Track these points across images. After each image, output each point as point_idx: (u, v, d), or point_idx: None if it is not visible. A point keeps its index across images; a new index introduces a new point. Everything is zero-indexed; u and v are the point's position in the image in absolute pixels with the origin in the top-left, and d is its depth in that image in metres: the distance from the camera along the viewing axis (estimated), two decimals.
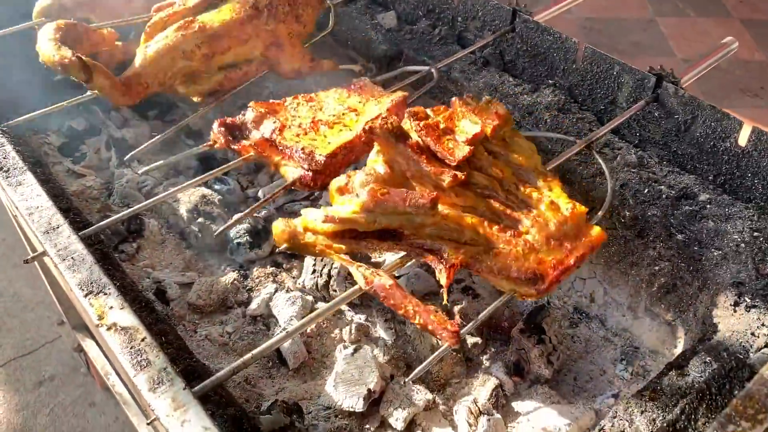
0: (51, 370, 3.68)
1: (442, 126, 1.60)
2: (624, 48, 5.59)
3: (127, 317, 1.21)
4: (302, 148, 1.71)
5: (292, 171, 1.74)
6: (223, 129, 1.87)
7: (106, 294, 1.25)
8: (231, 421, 1.38)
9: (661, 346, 1.87)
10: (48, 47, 1.88)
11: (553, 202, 1.54)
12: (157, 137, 2.10)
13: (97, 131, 2.58)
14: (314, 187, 1.77)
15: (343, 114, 1.85)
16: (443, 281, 1.42)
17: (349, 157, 1.79)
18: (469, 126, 1.62)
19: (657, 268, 1.83)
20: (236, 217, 1.77)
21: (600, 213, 1.64)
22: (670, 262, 1.80)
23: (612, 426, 1.34)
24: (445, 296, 1.44)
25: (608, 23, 5.89)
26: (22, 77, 2.29)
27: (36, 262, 2.87)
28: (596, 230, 1.52)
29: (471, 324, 1.48)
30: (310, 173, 1.72)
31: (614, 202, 1.89)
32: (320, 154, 1.70)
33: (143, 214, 2.26)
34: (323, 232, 1.45)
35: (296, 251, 1.51)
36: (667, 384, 1.40)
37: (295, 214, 2.43)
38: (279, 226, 1.49)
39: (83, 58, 1.87)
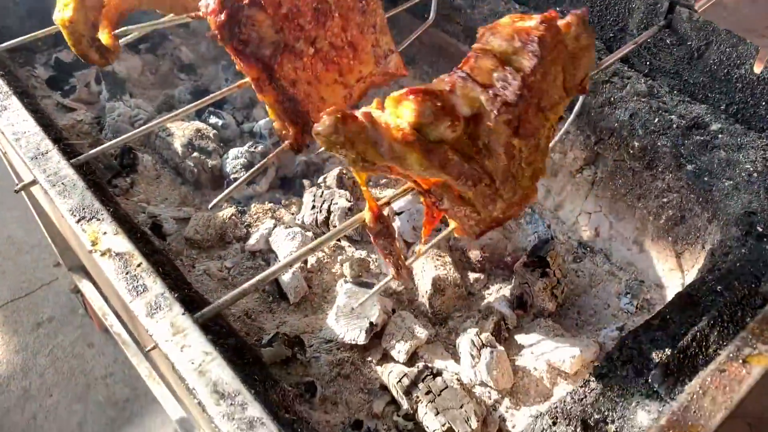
0: (49, 312, 3.66)
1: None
2: None
3: (121, 243, 1.17)
4: (298, 102, 1.60)
5: (279, 125, 1.65)
6: (219, 10, 1.48)
7: (99, 220, 1.20)
8: (232, 350, 1.35)
9: (667, 279, 1.84)
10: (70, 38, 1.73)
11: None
12: (153, 22, 1.89)
13: (86, 63, 2.48)
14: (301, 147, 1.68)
15: (342, 49, 1.72)
16: (426, 229, 1.38)
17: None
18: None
19: (665, 200, 1.79)
20: (230, 188, 1.64)
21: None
22: (679, 194, 1.76)
23: (620, 354, 1.32)
24: (422, 247, 1.42)
25: None
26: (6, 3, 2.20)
27: (29, 202, 2.82)
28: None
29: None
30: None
31: (623, 133, 1.83)
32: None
33: (136, 149, 2.20)
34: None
35: (333, 145, 1.35)
36: (676, 313, 1.37)
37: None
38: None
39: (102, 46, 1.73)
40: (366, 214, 1.36)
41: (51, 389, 3.35)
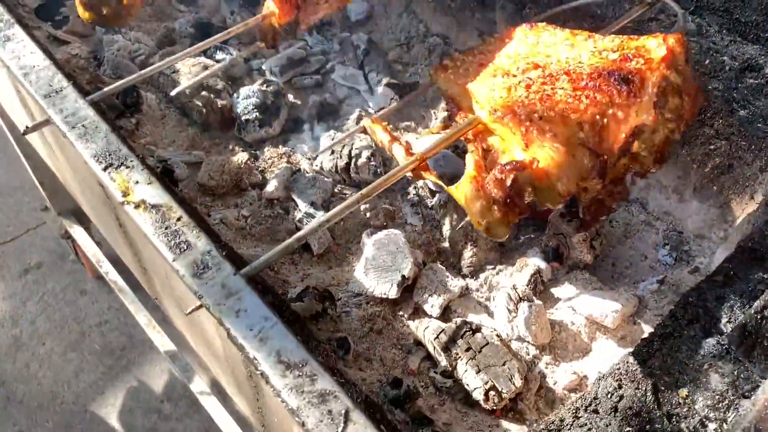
0: (37, 258, 3.52)
1: None
2: None
3: (156, 193, 1.05)
4: None
5: None
6: None
7: (128, 167, 1.07)
8: (272, 307, 1.25)
9: (708, 230, 1.77)
10: None
11: None
12: None
13: None
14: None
15: None
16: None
17: None
18: None
19: (712, 146, 1.69)
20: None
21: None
22: (728, 141, 1.66)
23: (685, 313, 1.25)
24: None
25: None
26: None
27: (14, 142, 2.64)
28: None
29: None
30: None
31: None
32: None
33: (139, 86, 2.03)
34: None
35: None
36: (741, 269, 1.30)
37: (307, 90, 2.22)
38: None
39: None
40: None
41: (43, 337, 3.24)
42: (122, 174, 1.06)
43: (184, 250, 0.98)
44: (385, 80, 2.14)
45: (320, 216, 1.72)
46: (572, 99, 1.23)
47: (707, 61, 1.67)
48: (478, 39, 2.18)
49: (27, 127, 1.21)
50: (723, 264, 1.34)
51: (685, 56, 1.31)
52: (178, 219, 1.01)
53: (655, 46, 1.29)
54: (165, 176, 1.81)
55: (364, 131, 2.00)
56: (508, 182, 1.16)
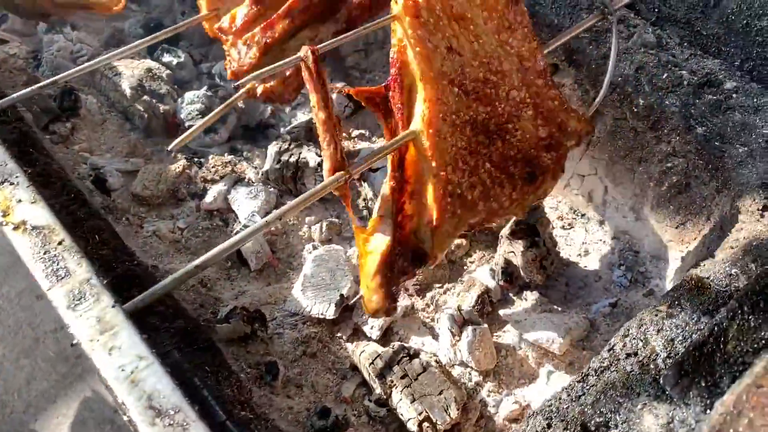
0: None
1: None
2: None
3: (40, 213, 0.95)
4: None
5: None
6: None
7: (12, 184, 0.98)
8: (180, 335, 1.16)
9: (665, 251, 1.69)
10: None
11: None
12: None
13: None
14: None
15: None
16: None
17: None
18: None
19: (669, 164, 1.62)
20: (196, 127, 1.41)
21: (597, 99, 1.40)
22: (686, 159, 1.59)
23: (624, 346, 1.17)
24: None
25: None
26: None
27: None
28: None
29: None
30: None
31: (627, 89, 1.64)
32: None
33: (79, 89, 1.94)
34: None
35: None
36: (686, 298, 1.22)
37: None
38: None
39: None
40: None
41: None
42: (4, 191, 0.97)
43: (62, 278, 0.89)
44: (339, 85, 2.05)
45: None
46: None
47: (665, 76, 1.60)
48: None
49: None
50: (669, 293, 1.26)
51: None
52: (60, 242, 0.93)
53: None
54: (96, 185, 1.73)
55: (311, 139, 1.92)
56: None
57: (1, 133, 1.07)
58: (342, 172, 1.18)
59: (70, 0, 1.67)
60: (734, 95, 1.55)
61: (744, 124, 1.50)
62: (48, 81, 1.29)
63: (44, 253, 0.91)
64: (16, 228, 0.94)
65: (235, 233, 1.70)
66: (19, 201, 0.97)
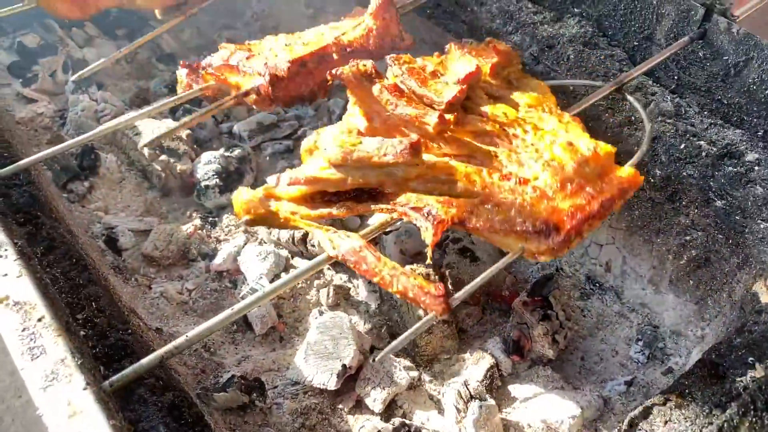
0: None
1: (430, 69, 1.33)
2: None
3: (24, 288, 0.96)
4: (265, 61, 1.45)
5: (250, 81, 1.46)
6: (186, 70, 1.58)
7: (0, 257, 0.98)
8: (168, 409, 1.14)
9: (685, 327, 1.62)
10: None
11: (570, 143, 1.25)
12: (114, 54, 1.79)
13: (53, 50, 2.26)
14: (275, 101, 1.48)
15: (320, 34, 1.55)
16: (429, 239, 1.13)
17: (320, 72, 1.49)
18: (462, 66, 1.34)
19: (688, 237, 1.55)
20: (175, 127, 1.51)
21: (634, 159, 1.35)
22: (705, 232, 1.53)
23: None
24: (429, 254, 1.16)
25: None
26: None
27: None
28: (628, 171, 1.24)
29: (463, 291, 1.14)
30: (268, 80, 1.44)
31: (643, 159, 1.59)
32: (284, 60, 1.45)
33: (100, 148, 1.98)
34: (289, 198, 1.18)
35: (261, 224, 1.25)
36: (698, 387, 1.15)
37: (275, 155, 2.15)
38: (240, 197, 1.23)
39: None
40: (326, 246, 1.14)
41: None
42: None
43: (37, 357, 0.89)
44: None
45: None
46: None
47: (683, 146, 1.55)
48: None
49: None
50: (679, 380, 1.19)
51: None
52: (39, 319, 0.92)
53: None
54: (108, 245, 1.74)
55: None
56: None
57: (11, 198, 1.09)
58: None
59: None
60: (756, 167, 1.49)
61: (766, 199, 1.44)
62: (67, 144, 1.32)
63: (22, 330, 0.91)
64: None
65: (242, 297, 1.69)
66: (5, 275, 0.97)
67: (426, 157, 1.17)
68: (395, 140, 1.09)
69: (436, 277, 1.72)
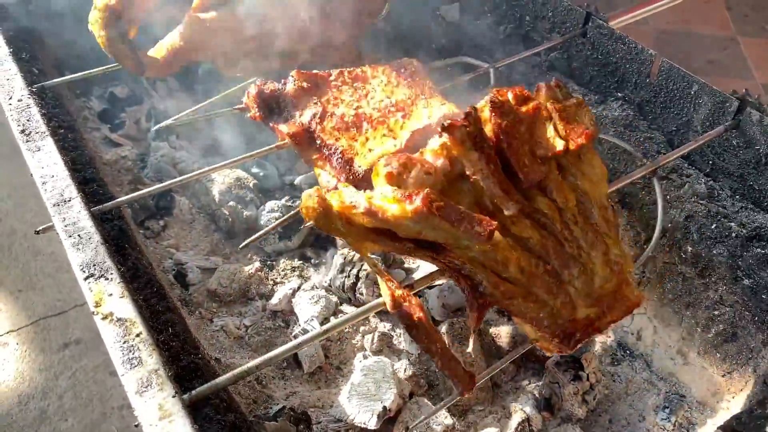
0: (78, 334, 3.66)
1: (522, 128, 1.34)
2: (699, 66, 5.26)
3: (125, 307, 1.12)
4: (341, 153, 1.55)
5: (326, 177, 1.60)
6: (258, 100, 1.65)
7: (107, 279, 1.15)
8: (229, 428, 1.27)
9: (712, 398, 1.69)
10: (104, 37, 1.76)
11: (606, 252, 1.34)
12: (191, 109, 1.99)
13: (139, 100, 2.51)
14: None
15: (389, 112, 1.70)
16: (472, 323, 1.25)
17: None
18: (552, 136, 1.36)
19: (717, 312, 1.65)
20: (264, 231, 1.61)
21: (645, 253, 1.47)
22: (733, 308, 1.62)
23: None
24: (471, 343, 1.31)
25: (685, 38, 5.57)
26: (71, 37, 2.23)
27: None
28: (635, 294, 1.33)
29: (486, 372, 1.35)
30: (344, 179, 1.59)
31: (676, 235, 1.71)
32: (359, 165, 1.54)
33: (175, 191, 2.18)
34: (360, 225, 1.27)
35: (324, 232, 1.32)
36: None
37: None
38: (310, 200, 1.23)
39: (137, 54, 1.76)
40: (386, 299, 1.27)
41: (67, 413, 3.32)
42: (100, 285, 1.14)
43: (135, 366, 1.04)
44: None
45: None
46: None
47: (714, 226, 1.66)
48: None
49: (38, 230, 1.34)
50: None
51: None
52: (138, 335, 1.08)
53: None
54: (177, 279, 1.91)
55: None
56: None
57: (104, 233, 1.26)
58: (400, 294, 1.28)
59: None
60: None
61: None
62: (154, 188, 1.49)
63: (123, 343, 1.07)
64: (104, 318, 1.10)
65: (294, 336, 1.83)
66: (110, 295, 1.13)
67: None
68: (474, 219, 1.15)
69: (476, 333, 1.84)
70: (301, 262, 2.10)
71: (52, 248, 4.10)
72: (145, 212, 2.05)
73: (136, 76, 2.46)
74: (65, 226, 1.24)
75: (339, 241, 2.16)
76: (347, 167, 1.52)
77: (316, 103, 1.62)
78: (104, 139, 2.31)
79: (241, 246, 1.61)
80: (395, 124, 1.64)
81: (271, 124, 1.66)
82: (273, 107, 1.65)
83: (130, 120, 2.39)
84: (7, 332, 3.73)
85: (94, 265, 1.18)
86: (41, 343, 3.66)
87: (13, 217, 4.27)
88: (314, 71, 1.70)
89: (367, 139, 1.59)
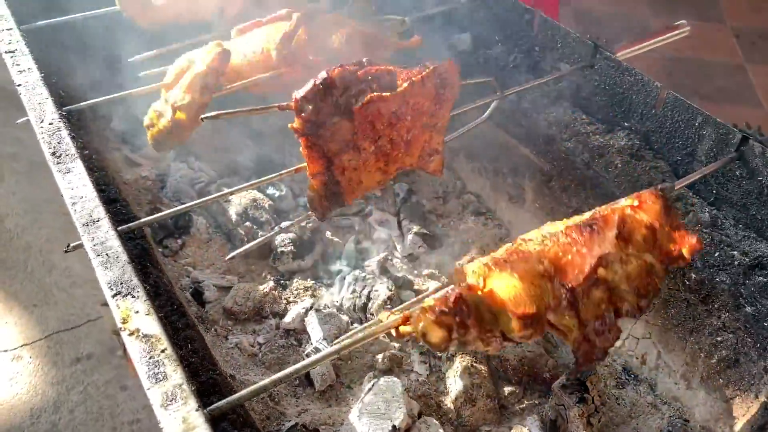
0: (89, 349, 3.72)
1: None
2: (707, 93, 5.33)
3: (151, 324, 1.17)
4: (336, 168, 1.61)
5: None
6: (310, 106, 1.50)
7: (134, 297, 1.21)
8: None
9: (714, 423, 1.72)
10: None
11: None
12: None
13: None
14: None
15: (399, 144, 1.70)
16: None
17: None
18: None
19: (719, 338, 1.69)
20: (246, 247, 1.71)
21: None
22: (735, 335, 1.66)
23: None
24: None
25: (693, 65, 5.65)
26: (95, 62, 2.32)
27: None
28: None
29: None
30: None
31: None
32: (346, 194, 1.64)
33: (193, 211, 2.24)
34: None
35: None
36: None
37: (344, 229, 2.38)
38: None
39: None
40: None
41: (78, 427, 3.37)
42: (127, 302, 1.20)
43: (160, 380, 1.09)
44: (415, 228, 2.27)
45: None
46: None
47: (717, 254, 1.71)
48: (508, 201, 2.30)
49: (67, 247, 1.40)
50: None
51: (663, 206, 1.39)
52: (163, 350, 1.13)
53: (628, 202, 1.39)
54: (194, 297, 1.97)
55: (384, 272, 2.11)
56: (452, 299, 1.20)
57: (130, 252, 1.32)
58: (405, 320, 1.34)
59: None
60: None
61: None
62: (176, 209, 1.56)
63: (150, 358, 1.12)
64: (131, 334, 1.16)
65: (306, 354, 1.88)
66: (137, 312, 1.19)
67: None
68: None
69: (483, 355, 1.89)
70: (313, 282, 2.15)
71: (66, 263, 4.18)
72: (163, 231, 2.12)
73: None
74: (94, 245, 1.30)
75: (351, 262, 2.22)
76: (332, 185, 1.58)
77: (351, 135, 1.57)
78: (125, 159, 2.39)
79: (227, 257, 1.71)
80: (393, 161, 1.67)
81: (307, 140, 1.55)
82: (316, 125, 1.53)
83: None
84: (21, 346, 3.80)
85: (122, 283, 1.24)
86: (54, 357, 3.72)
87: (29, 232, 4.36)
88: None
89: (362, 173, 1.64)
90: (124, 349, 3.36)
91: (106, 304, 3.72)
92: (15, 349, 3.77)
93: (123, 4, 2.09)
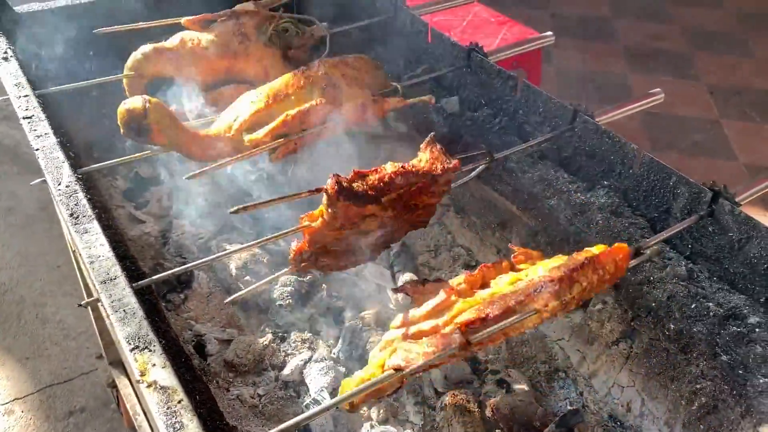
0: (82, 402, 3.74)
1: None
2: (684, 147, 5.55)
3: (167, 377, 1.25)
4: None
5: None
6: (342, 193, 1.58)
7: (151, 351, 1.29)
8: None
9: None
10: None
11: None
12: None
13: (162, 181, 2.69)
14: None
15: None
16: None
17: None
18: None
19: (698, 386, 1.78)
20: (242, 292, 1.80)
21: None
22: (713, 382, 1.76)
23: None
24: None
25: (670, 120, 5.88)
26: (105, 123, 2.44)
27: (84, 292, 2.97)
28: None
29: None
30: None
31: (660, 314, 1.87)
32: None
33: (194, 267, 2.33)
34: None
35: None
36: None
37: (340, 281, 2.46)
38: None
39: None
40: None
41: None
42: (144, 356, 1.28)
43: (177, 430, 1.17)
44: (407, 276, 2.37)
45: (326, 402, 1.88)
46: None
47: (693, 305, 1.82)
48: (496, 254, 2.41)
49: (81, 303, 1.49)
50: None
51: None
52: (179, 401, 1.21)
53: None
54: (197, 350, 2.04)
55: (380, 325, 2.19)
56: None
57: (144, 307, 1.41)
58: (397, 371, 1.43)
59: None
60: (757, 329, 1.74)
61: (765, 357, 1.68)
62: (184, 267, 1.65)
63: (167, 408, 1.20)
64: (149, 386, 1.24)
65: (305, 405, 1.95)
66: (154, 365, 1.27)
67: None
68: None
69: (476, 404, 1.97)
70: (311, 334, 2.23)
71: (60, 316, 4.22)
72: (166, 286, 2.20)
73: (162, 157, 2.65)
74: (112, 302, 1.39)
75: (347, 314, 2.31)
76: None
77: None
78: (129, 216, 2.48)
79: (226, 300, 1.79)
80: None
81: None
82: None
83: (154, 199, 2.56)
84: (13, 400, 3.81)
85: (139, 337, 1.32)
86: (46, 411, 3.74)
87: (23, 285, 4.40)
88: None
89: None
90: (118, 402, 3.39)
91: (100, 357, 3.80)
92: (7, 403, 3.77)
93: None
